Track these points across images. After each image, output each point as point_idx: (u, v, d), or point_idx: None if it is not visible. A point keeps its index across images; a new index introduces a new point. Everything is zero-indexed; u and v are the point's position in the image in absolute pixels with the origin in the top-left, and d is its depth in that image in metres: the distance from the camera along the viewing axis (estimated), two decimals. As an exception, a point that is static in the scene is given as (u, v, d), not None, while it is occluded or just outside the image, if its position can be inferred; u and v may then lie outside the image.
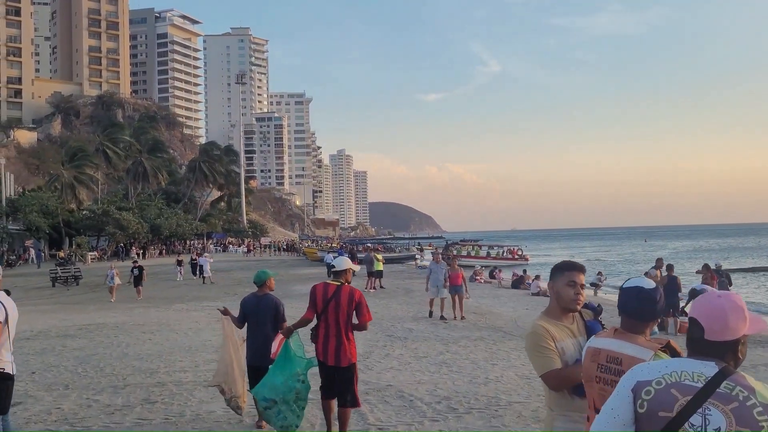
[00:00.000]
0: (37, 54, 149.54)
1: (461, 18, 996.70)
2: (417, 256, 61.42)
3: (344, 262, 6.80)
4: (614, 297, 29.05)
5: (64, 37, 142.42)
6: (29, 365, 11.72)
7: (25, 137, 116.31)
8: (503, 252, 66.84)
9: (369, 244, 49.07)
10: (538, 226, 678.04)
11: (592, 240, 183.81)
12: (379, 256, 30.19)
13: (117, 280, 26.41)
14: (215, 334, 15.20)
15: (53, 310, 23.74)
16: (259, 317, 7.23)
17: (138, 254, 66.93)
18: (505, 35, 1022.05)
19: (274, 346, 6.88)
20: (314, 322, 6.61)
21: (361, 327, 6.63)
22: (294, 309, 14.87)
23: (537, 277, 27.73)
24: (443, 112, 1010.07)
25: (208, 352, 12.53)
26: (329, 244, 76.37)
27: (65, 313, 22.18)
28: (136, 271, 27.19)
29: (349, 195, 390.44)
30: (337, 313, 6.42)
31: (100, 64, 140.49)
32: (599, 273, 34.04)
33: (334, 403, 6.66)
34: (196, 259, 37.75)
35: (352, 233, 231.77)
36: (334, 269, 6.75)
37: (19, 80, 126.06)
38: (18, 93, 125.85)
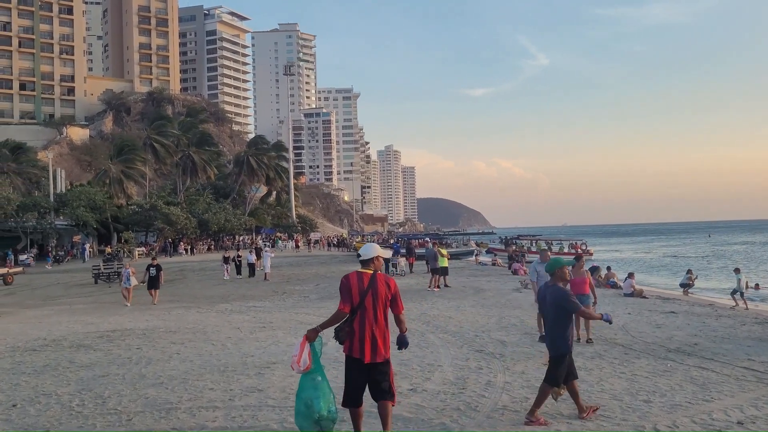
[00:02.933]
0: (89, 52, 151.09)
1: (507, 11, 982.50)
2: (476, 252, 57.98)
3: (372, 249, 6.26)
4: (725, 301, 25.27)
5: (115, 35, 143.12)
6: (17, 392, 8.97)
7: (78, 134, 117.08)
8: (566, 247, 62.94)
9: (428, 239, 45.62)
10: (589, 222, 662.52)
11: (652, 236, 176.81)
12: (444, 251, 26.87)
13: (133, 281, 22.93)
14: (258, 346, 12.31)
15: (85, 310, 21.40)
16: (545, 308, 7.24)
17: (186, 250, 65.39)
18: (552, 27, 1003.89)
19: (303, 353, 5.90)
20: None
21: (399, 319, 6.11)
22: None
23: (630, 275, 23.95)
24: (491, 106, 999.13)
25: (248, 374, 9.61)
26: (380, 239, 73.72)
27: (96, 314, 19.76)
28: (152, 271, 22.91)
29: (397, 191, 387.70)
30: (375, 305, 5.95)
31: (151, 61, 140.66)
32: (689, 272, 30.13)
33: (362, 410, 6.13)
34: (241, 256, 35.13)
35: (401, 229, 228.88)
36: (361, 258, 6.22)
37: (72, 78, 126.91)
38: (71, 91, 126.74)
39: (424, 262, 30.23)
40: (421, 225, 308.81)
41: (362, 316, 5.93)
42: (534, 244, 63.23)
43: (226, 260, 33.99)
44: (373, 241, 75.01)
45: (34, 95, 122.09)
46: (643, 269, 50.29)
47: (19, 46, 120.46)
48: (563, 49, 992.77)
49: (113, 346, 12.87)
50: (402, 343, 6.14)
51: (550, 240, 67.18)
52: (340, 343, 6.03)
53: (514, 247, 57.34)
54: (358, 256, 6.49)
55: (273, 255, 36.84)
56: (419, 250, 39.80)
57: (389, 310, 6.09)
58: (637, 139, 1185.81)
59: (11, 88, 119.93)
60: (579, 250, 60.68)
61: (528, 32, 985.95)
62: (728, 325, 14.82)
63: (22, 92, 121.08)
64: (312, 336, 5.97)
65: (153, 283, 22.65)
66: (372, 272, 6.07)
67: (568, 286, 7.70)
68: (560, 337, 7.02)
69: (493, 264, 44.52)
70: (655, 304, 20.13)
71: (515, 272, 33.02)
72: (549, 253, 14.31)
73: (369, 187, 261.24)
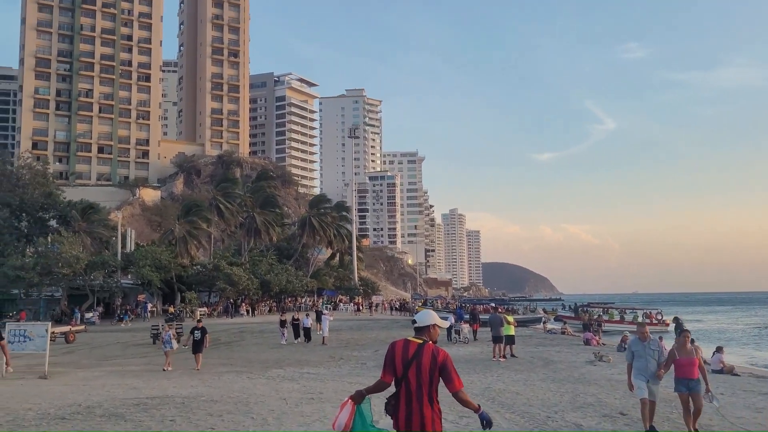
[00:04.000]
0: (165, 117, 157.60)
1: (573, 75, 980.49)
2: (544, 319, 55.41)
3: (429, 317, 5.90)
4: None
5: (189, 101, 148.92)
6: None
7: (150, 195, 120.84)
8: (639, 316, 59.60)
9: (494, 304, 43.41)
10: (663, 289, 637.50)
11: (733, 305, 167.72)
12: (511, 318, 25.14)
13: (174, 344, 21.91)
14: (301, 422, 11.06)
15: (135, 372, 20.67)
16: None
17: (247, 311, 65.12)
18: (619, 92, 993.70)
19: (341, 414, 5.55)
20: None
21: (459, 398, 5.48)
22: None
23: (719, 350, 21.66)
24: (557, 171, 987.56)
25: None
26: (444, 304, 71.80)
27: (144, 377, 18.98)
28: (197, 334, 21.47)
29: (461, 254, 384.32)
30: (419, 378, 5.47)
31: (222, 126, 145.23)
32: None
33: None
34: (298, 319, 34.12)
35: (465, 294, 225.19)
36: (416, 324, 5.86)
37: (147, 142, 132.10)
38: (145, 154, 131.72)
39: (489, 329, 28.54)
40: (486, 290, 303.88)
41: (407, 389, 5.52)
42: (606, 313, 60.21)
43: (283, 323, 33.01)
44: (437, 306, 73.21)
45: (111, 158, 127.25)
46: (731, 342, 46.68)
47: (100, 111, 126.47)
48: (631, 113, 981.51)
49: (146, 416, 11.85)
50: (485, 422, 5.53)
51: (623, 308, 63.92)
52: (389, 416, 5.66)
53: (588, 316, 54.56)
54: (414, 321, 6.01)
55: (332, 318, 35.72)
56: (484, 316, 37.96)
57: (440, 385, 5.57)
58: (711, 202, 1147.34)
59: (90, 152, 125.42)
60: (654, 319, 57.38)
61: (595, 96, 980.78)
62: None
63: (100, 155, 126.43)
64: (357, 398, 5.62)
65: (197, 347, 21.31)
66: (421, 342, 5.66)
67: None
68: None
69: (563, 333, 42.14)
70: (749, 382, 17.94)
71: (588, 342, 30.82)
72: (647, 328, 11.30)
73: (433, 250, 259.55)
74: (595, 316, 55.85)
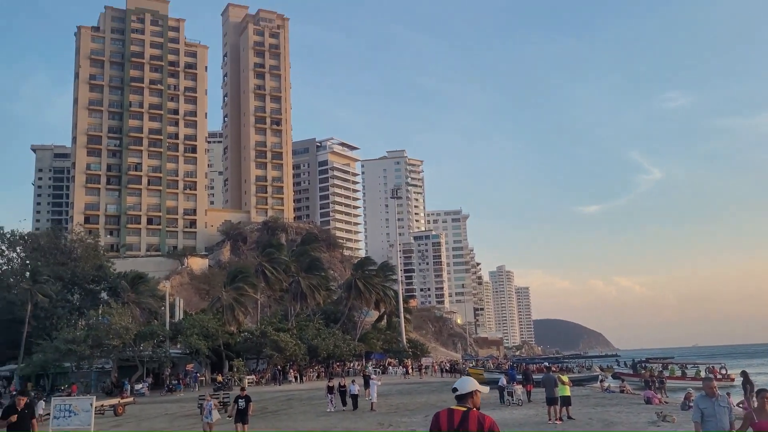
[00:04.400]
0: (211, 187, 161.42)
1: (616, 127, 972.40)
2: (601, 377, 53.24)
3: (469, 384, 5.85)
4: None
5: (234, 169, 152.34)
6: None
7: (198, 264, 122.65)
8: (702, 371, 56.88)
9: (547, 363, 41.65)
10: (724, 341, 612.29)
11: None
12: (566, 378, 23.99)
13: (215, 415, 21.27)
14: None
15: (180, 446, 20.21)
16: None
17: (296, 377, 64.31)
18: (664, 141, 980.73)
19: None
20: None
21: None
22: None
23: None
24: (605, 223, 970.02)
25: None
26: (496, 364, 69.80)
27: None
28: (241, 403, 20.65)
29: (511, 312, 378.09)
30: None
31: (266, 192, 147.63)
32: None
33: None
34: (344, 386, 33.27)
35: (517, 352, 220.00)
36: (456, 393, 5.79)
37: (194, 212, 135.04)
38: (193, 223, 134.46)
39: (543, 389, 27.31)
40: (539, 348, 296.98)
41: None
42: (666, 368, 57.68)
43: (330, 390, 32.19)
44: (489, 366, 71.19)
45: (160, 229, 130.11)
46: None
47: (148, 184, 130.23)
48: (678, 162, 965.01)
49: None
50: None
51: (684, 363, 61.28)
52: None
53: (648, 372, 52.33)
54: (455, 390, 5.94)
55: (380, 383, 34.82)
56: (537, 376, 36.52)
57: None
58: None
59: (140, 223, 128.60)
60: (717, 374, 54.63)
61: (639, 146, 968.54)
62: None
63: (150, 226, 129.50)
64: None
65: (241, 416, 20.55)
66: (465, 410, 5.67)
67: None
68: None
69: (622, 391, 40.28)
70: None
71: (649, 401, 29.25)
72: (715, 383, 10.22)
73: (482, 309, 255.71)
74: (656, 373, 53.53)
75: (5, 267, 76.61)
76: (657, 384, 39.04)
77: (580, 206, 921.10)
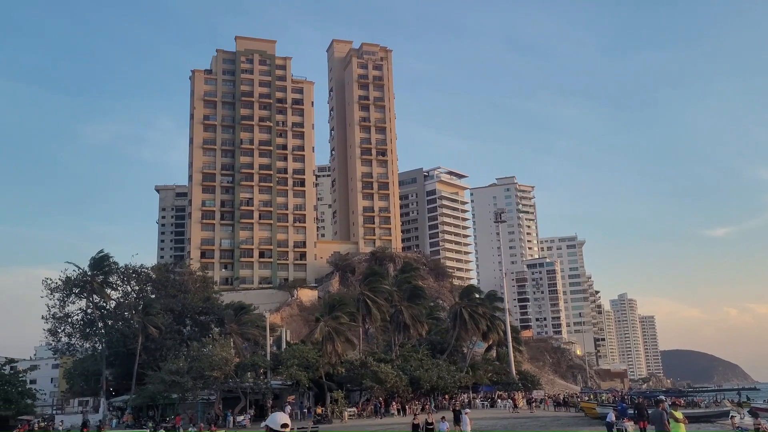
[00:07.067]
0: (321, 220, 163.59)
1: (741, 145, 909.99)
2: (733, 413, 47.27)
3: (278, 418, 5.82)
4: None
5: (342, 201, 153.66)
6: None
7: (307, 295, 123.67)
8: None
9: (661, 396, 36.80)
10: None
11: None
12: (679, 414, 20.40)
13: None
14: None
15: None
16: None
17: (398, 410, 61.92)
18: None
19: None
20: None
21: None
22: None
23: None
24: (735, 246, 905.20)
25: None
26: (611, 397, 64.40)
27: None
28: None
29: (636, 342, 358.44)
30: None
31: (374, 223, 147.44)
32: None
33: None
34: (432, 423, 30.51)
35: (644, 385, 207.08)
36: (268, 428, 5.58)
37: (304, 244, 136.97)
38: (303, 255, 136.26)
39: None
40: (669, 380, 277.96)
41: None
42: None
43: (415, 428, 29.61)
44: (607, 399, 65.95)
45: (271, 261, 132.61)
46: None
47: (259, 218, 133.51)
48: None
49: None
50: None
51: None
52: None
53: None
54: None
55: (468, 411, 31.90)
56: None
57: None
58: None
59: (252, 257, 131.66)
60: None
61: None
62: None
63: (261, 260, 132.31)
64: None
65: None
66: None
67: None
68: None
69: (757, 429, 35.12)
70: None
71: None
72: None
73: (603, 339, 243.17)
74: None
75: (121, 300, 79.59)
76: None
77: (706, 229, 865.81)
